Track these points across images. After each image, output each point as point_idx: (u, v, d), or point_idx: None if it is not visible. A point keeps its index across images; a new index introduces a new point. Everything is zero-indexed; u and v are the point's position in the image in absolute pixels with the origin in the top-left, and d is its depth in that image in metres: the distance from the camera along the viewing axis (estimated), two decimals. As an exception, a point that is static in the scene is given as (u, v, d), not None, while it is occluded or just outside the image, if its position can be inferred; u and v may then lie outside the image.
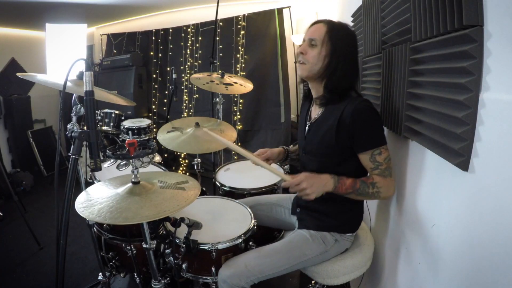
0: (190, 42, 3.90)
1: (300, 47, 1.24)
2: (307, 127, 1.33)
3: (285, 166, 2.03)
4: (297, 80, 3.94)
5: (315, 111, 1.31)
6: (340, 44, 1.17)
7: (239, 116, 3.69)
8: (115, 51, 4.25)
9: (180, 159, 3.92)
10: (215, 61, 2.48)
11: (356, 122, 1.12)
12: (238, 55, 3.66)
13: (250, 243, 1.39)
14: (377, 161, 1.13)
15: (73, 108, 1.34)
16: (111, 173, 1.50)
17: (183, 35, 3.94)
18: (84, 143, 1.04)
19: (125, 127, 2.36)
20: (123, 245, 1.54)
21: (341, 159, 1.20)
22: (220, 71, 2.20)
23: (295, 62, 1.30)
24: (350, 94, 1.22)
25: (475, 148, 0.75)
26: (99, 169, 1.02)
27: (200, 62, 3.86)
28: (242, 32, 3.63)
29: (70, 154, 1.06)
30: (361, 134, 1.13)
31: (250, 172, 1.97)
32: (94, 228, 1.58)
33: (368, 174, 1.19)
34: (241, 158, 2.11)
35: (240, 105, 3.69)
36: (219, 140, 1.30)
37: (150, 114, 4.15)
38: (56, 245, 1.04)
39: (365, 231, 1.45)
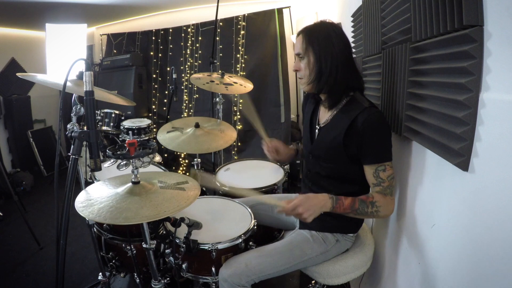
0: (190, 42, 3.90)
1: (294, 65, 1.25)
2: (316, 131, 1.31)
3: (285, 166, 2.03)
4: (297, 80, 3.95)
5: (325, 115, 1.28)
6: (318, 43, 1.15)
7: (239, 116, 3.69)
8: (115, 51, 4.25)
9: (180, 159, 3.92)
10: (215, 61, 2.48)
11: (365, 134, 1.10)
12: (238, 55, 3.66)
13: (250, 243, 1.39)
14: (380, 177, 1.12)
15: (73, 108, 1.34)
16: (111, 173, 1.50)
17: (183, 35, 3.94)
18: (84, 143, 1.04)
19: (125, 127, 2.37)
20: (123, 245, 1.54)
21: (348, 166, 1.19)
22: (220, 71, 2.20)
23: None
24: (357, 98, 1.18)
25: (475, 148, 0.75)
26: (99, 169, 1.02)
27: (200, 62, 3.86)
28: (242, 32, 3.63)
29: (70, 154, 1.06)
30: (369, 147, 1.12)
31: (250, 172, 1.97)
32: (94, 228, 1.58)
33: (370, 191, 1.18)
34: (241, 158, 2.11)
35: (240, 105, 3.69)
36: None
37: (150, 114, 4.15)
38: (56, 245, 1.04)
39: (365, 231, 1.45)
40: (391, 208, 1.16)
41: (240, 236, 1.29)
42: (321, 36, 1.16)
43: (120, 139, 2.53)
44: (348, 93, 1.20)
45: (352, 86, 1.20)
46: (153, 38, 4.09)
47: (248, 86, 2.21)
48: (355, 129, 1.12)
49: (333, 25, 1.20)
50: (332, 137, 1.19)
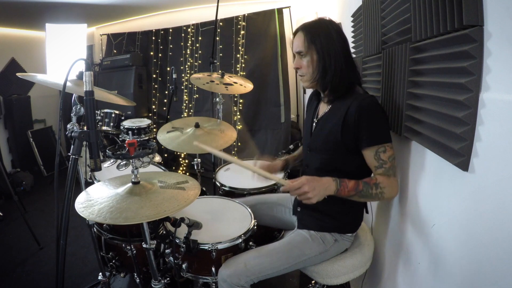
0: (190, 42, 3.90)
1: (294, 63, 1.25)
2: (314, 124, 1.33)
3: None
4: (297, 80, 3.95)
5: (323, 108, 1.30)
6: (320, 41, 1.16)
7: (239, 116, 3.70)
8: (115, 51, 4.25)
9: (180, 159, 3.92)
10: (215, 61, 2.48)
11: (361, 118, 1.11)
12: (238, 55, 3.66)
13: (250, 243, 1.39)
14: (382, 159, 1.12)
15: (73, 108, 1.34)
16: (111, 173, 1.50)
17: (183, 35, 3.94)
18: (84, 143, 1.04)
19: (125, 127, 2.37)
20: (123, 245, 1.54)
21: (345, 157, 1.20)
22: (220, 71, 2.20)
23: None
24: (355, 89, 1.21)
25: (475, 148, 0.75)
26: (99, 169, 1.02)
27: (200, 62, 3.86)
28: (242, 32, 3.63)
29: (70, 154, 1.06)
30: (366, 130, 1.12)
31: (250, 172, 1.96)
32: (94, 228, 1.57)
33: (372, 174, 1.18)
34: (241, 158, 2.11)
35: (240, 105, 3.69)
36: (214, 152, 1.29)
37: (150, 114, 4.15)
38: (56, 245, 1.04)
39: (365, 231, 1.45)
40: (396, 189, 1.16)
41: (240, 236, 1.29)
42: (323, 33, 1.17)
43: (120, 139, 2.54)
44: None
45: (354, 81, 1.23)
46: (153, 38, 4.09)
47: (248, 86, 2.21)
48: (350, 117, 1.13)
49: (331, 22, 1.21)
50: (329, 127, 1.21)
